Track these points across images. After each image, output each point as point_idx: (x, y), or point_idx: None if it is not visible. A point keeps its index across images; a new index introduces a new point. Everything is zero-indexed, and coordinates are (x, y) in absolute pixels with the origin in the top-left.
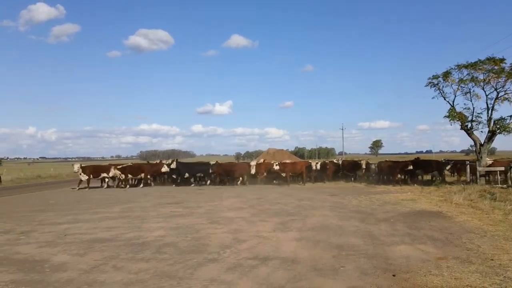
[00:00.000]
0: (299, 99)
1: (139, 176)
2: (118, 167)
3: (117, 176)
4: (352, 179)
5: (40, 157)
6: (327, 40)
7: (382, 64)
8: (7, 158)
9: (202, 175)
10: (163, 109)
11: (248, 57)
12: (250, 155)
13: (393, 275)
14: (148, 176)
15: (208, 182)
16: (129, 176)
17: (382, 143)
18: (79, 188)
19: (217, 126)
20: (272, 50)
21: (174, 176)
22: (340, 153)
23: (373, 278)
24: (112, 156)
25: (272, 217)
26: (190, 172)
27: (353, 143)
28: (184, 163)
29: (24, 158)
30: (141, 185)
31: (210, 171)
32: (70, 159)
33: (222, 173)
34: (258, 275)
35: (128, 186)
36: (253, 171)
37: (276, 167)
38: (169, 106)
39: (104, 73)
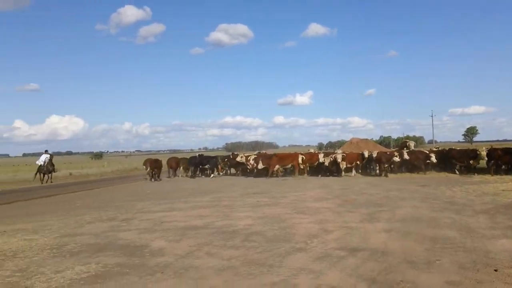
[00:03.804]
0: (382, 86)
1: None
2: None
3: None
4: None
5: (136, 150)
6: (411, 25)
7: (474, 44)
8: (107, 151)
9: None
10: (246, 102)
11: (327, 45)
12: (333, 145)
13: (495, 270)
14: None
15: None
16: None
17: (477, 130)
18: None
19: (299, 117)
20: (352, 37)
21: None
22: (430, 142)
23: (473, 273)
24: (199, 148)
25: (358, 208)
26: None
27: (444, 131)
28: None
29: (122, 152)
30: None
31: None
32: (162, 152)
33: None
34: (346, 265)
35: None
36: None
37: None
38: (251, 98)
39: (188, 70)
